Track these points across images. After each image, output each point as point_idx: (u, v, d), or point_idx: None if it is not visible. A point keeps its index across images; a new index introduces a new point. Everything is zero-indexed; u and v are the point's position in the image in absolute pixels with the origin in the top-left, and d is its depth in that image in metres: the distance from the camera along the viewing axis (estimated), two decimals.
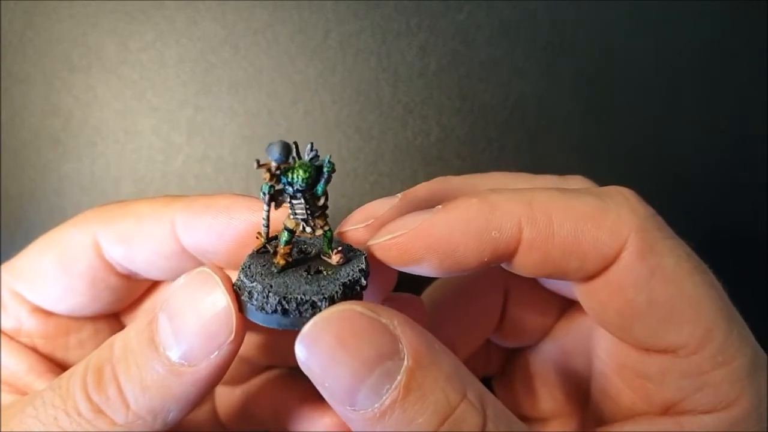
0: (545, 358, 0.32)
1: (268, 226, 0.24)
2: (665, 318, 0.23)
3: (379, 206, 0.25)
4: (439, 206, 0.23)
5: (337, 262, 0.23)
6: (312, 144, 0.22)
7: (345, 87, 0.43)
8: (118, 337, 0.23)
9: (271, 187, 0.22)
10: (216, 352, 0.22)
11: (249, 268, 0.23)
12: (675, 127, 0.43)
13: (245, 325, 0.23)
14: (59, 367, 0.29)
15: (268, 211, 0.23)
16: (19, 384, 0.28)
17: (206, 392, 0.23)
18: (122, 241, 0.27)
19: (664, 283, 0.23)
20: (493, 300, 0.31)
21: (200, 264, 0.25)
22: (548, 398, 0.32)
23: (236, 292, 0.23)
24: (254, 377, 0.34)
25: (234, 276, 0.23)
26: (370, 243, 0.24)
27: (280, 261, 0.23)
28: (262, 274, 0.23)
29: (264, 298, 0.22)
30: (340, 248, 0.24)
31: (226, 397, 0.34)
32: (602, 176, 0.41)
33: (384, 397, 0.20)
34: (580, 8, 0.42)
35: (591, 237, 0.22)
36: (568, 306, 0.31)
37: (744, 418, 0.23)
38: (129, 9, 0.43)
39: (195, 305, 0.22)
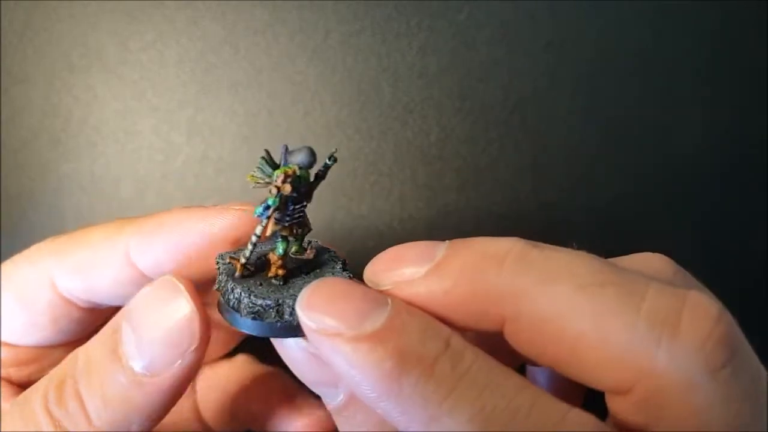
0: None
1: (255, 246, 0.22)
2: None
3: (417, 255, 0.22)
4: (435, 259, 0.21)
5: (310, 256, 0.23)
6: (286, 146, 0.22)
7: (345, 87, 0.43)
8: (81, 349, 0.23)
9: (281, 198, 0.21)
10: (179, 361, 0.21)
11: (251, 288, 0.22)
12: (675, 127, 0.43)
13: (209, 332, 0.22)
14: None
15: (265, 227, 0.22)
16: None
17: (171, 404, 0.23)
18: (78, 273, 0.26)
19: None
20: None
21: None
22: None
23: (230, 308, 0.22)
24: (236, 359, 0.33)
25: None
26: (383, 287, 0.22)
27: (280, 272, 0.22)
28: (269, 289, 0.22)
29: (288, 311, 0.21)
30: (309, 243, 0.24)
31: (208, 396, 0.33)
32: (602, 176, 0.41)
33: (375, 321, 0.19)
34: (580, 8, 0.42)
35: (600, 372, 0.19)
36: None
37: None
38: (129, 9, 0.43)
39: (158, 314, 0.22)
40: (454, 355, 0.19)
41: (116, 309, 0.29)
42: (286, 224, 0.22)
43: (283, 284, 0.22)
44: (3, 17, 0.43)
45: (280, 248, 0.23)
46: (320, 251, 0.24)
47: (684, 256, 0.42)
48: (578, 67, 0.43)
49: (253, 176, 0.22)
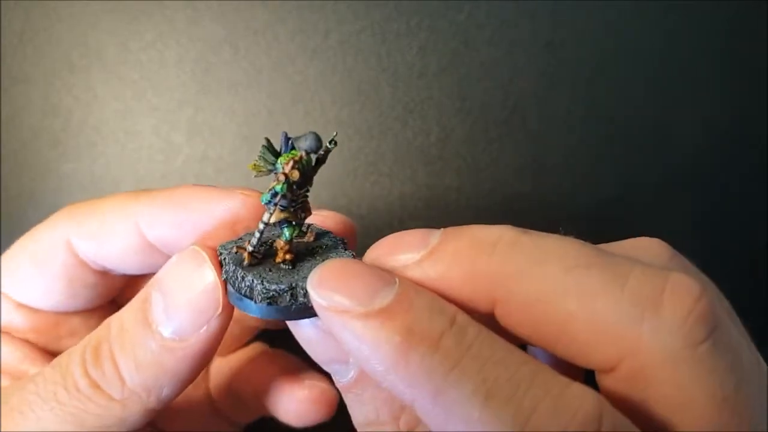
0: None
1: (263, 233, 0.23)
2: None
3: (413, 242, 0.23)
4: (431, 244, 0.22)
5: (311, 239, 0.24)
6: (286, 133, 0.22)
7: (345, 87, 0.43)
8: (115, 317, 0.24)
9: (288, 183, 0.22)
10: (205, 327, 0.22)
11: (262, 275, 0.22)
12: (675, 127, 0.43)
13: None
14: (53, 355, 0.29)
15: (272, 214, 0.22)
16: (15, 372, 0.28)
17: (198, 369, 0.24)
18: (92, 239, 0.27)
19: (659, 407, 0.19)
20: None
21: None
22: None
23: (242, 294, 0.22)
24: (246, 346, 0.35)
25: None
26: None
27: (288, 257, 0.23)
28: (280, 274, 0.22)
29: (300, 293, 0.22)
30: (308, 226, 0.24)
31: (219, 381, 0.34)
32: (602, 176, 0.41)
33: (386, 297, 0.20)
34: (580, 8, 0.42)
35: (591, 346, 0.20)
36: None
37: None
38: (129, 9, 0.43)
39: (185, 282, 0.23)
40: (458, 331, 0.19)
41: (128, 278, 0.30)
42: (292, 210, 0.23)
43: (292, 268, 0.23)
44: (3, 17, 0.43)
45: (287, 233, 0.23)
46: (319, 234, 0.25)
47: (684, 255, 0.42)
48: (578, 67, 0.43)
49: (255, 165, 0.22)
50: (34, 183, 0.43)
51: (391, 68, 0.43)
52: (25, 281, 0.28)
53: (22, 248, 0.28)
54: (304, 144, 0.21)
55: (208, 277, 0.23)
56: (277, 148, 0.22)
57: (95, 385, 0.23)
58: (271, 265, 0.23)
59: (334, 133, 0.23)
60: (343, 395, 0.23)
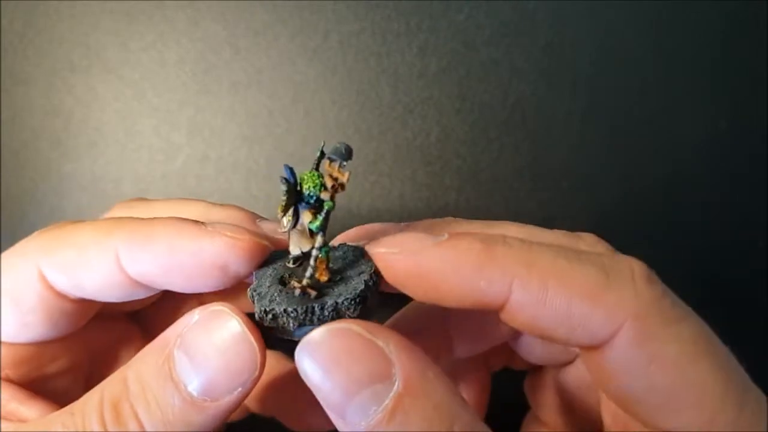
0: (564, 379, 0.31)
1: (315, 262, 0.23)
2: (664, 404, 0.22)
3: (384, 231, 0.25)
4: (446, 235, 0.23)
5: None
6: (289, 167, 0.22)
7: (345, 87, 0.43)
8: (131, 372, 0.23)
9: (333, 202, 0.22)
10: (240, 388, 0.22)
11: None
12: (675, 128, 0.43)
13: (265, 358, 0.23)
14: (38, 386, 0.28)
15: (324, 236, 0.23)
16: (4, 411, 0.27)
17: (227, 419, 0.23)
18: (66, 272, 0.26)
19: (663, 370, 0.22)
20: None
21: (153, 291, 0.25)
22: (555, 414, 0.31)
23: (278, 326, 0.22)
24: None
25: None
26: (371, 250, 0.24)
27: (322, 276, 0.23)
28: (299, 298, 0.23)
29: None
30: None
31: None
32: (602, 176, 0.41)
33: (371, 417, 0.20)
34: (580, 8, 0.42)
35: (583, 315, 0.22)
36: None
37: None
38: (129, 9, 0.43)
39: (215, 343, 0.22)
40: None
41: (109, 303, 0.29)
42: (316, 227, 0.23)
43: (318, 294, 0.22)
44: (3, 17, 0.43)
45: (324, 251, 0.23)
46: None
47: (684, 256, 0.42)
48: (578, 68, 0.43)
49: (283, 206, 0.22)
50: (34, 183, 0.43)
51: (391, 68, 0.43)
52: (1, 317, 0.27)
53: None
54: (338, 154, 0.21)
55: (244, 339, 0.22)
56: (283, 179, 0.22)
57: None
58: (286, 290, 0.23)
59: (322, 143, 0.23)
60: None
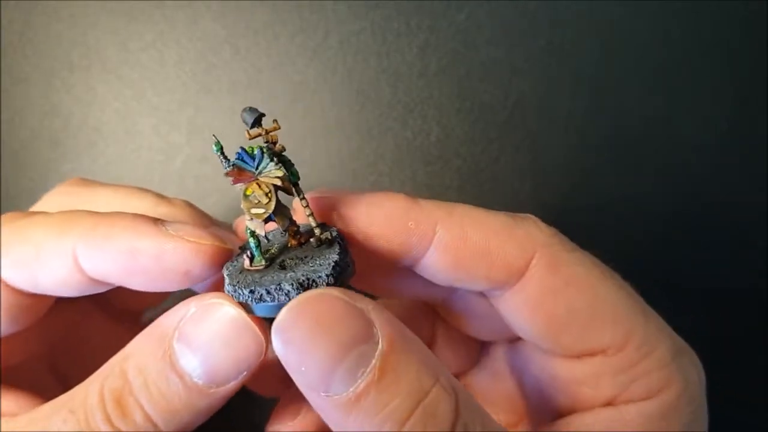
0: (483, 379, 0.32)
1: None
2: (587, 323, 0.25)
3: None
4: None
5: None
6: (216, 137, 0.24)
7: (345, 87, 0.43)
8: (130, 366, 0.23)
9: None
10: (245, 372, 0.23)
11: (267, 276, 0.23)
12: (675, 127, 0.43)
13: (268, 342, 0.23)
14: (4, 378, 0.28)
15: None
16: None
17: (231, 396, 0.24)
18: (21, 268, 0.25)
19: (579, 291, 0.25)
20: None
21: (112, 287, 0.25)
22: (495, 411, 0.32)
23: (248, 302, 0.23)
24: None
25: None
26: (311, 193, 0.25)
27: (294, 242, 0.24)
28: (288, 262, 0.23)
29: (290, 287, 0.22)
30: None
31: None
32: (602, 176, 0.41)
33: (359, 380, 0.20)
34: (580, 8, 0.42)
35: (499, 247, 0.25)
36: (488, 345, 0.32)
37: (676, 399, 0.25)
38: (129, 9, 0.43)
39: (219, 333, 0.23)
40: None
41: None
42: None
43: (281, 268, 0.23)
44: (3, 17, 0.43)
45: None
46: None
47: (684, 255, 0.42)
48: (578, 67, 0.43)
49: (234, 169, 0.24)
50: (34, 183, 0.43)
51: (391, 68, 0.43)
52: None
53: None
54: (249, 118, 0.23)
55: (246, 327, 0.22)
56: (218, 149, 0.24)
57: None
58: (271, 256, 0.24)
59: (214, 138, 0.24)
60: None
